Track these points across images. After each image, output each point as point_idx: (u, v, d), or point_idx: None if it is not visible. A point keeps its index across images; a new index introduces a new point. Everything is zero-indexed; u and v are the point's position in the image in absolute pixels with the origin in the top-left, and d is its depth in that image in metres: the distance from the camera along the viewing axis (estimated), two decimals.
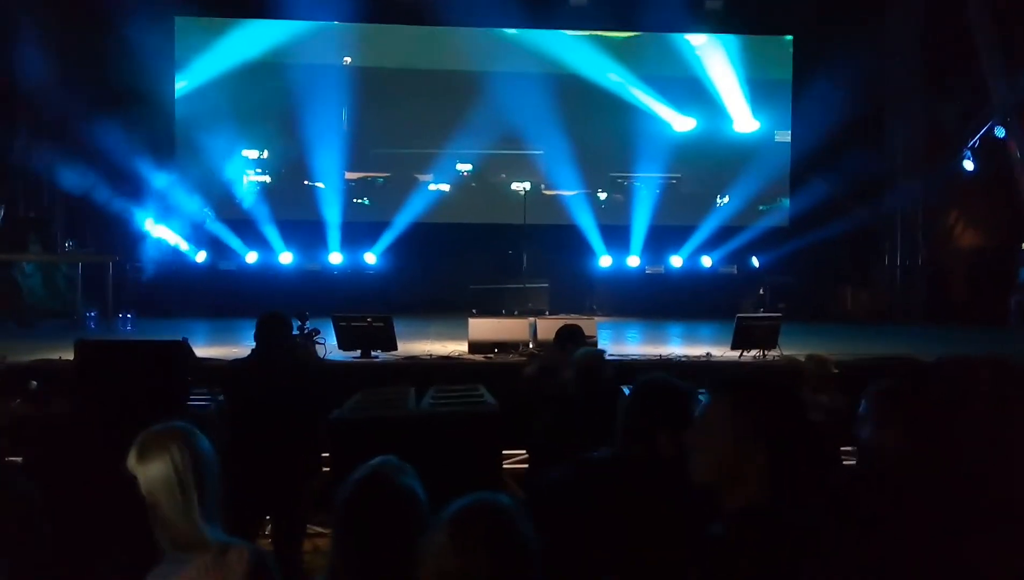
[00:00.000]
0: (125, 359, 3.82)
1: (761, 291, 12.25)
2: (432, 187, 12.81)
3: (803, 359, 6.64)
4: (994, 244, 12.20)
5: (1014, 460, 3.08)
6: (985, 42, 10.84)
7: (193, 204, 11.92)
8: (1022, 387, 4.89)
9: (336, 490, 1.81)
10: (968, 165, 12.03)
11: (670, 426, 2.08)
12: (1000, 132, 11.40)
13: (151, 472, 1.83)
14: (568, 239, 12.65)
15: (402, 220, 12.41)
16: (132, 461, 1.86)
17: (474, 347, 7.28)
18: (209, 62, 12.15)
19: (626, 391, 2.71)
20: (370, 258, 12.39)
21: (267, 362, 3.94)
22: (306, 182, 12.59)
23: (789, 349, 7.50)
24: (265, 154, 12.61)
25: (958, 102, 11.96)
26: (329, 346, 6.84)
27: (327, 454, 4.23)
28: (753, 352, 7.40)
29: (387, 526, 1.69)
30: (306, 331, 4.26)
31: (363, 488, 1.74)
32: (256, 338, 3.98)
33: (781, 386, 1.60)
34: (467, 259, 12.12)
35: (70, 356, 5.15)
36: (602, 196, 13.24)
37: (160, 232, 11.59)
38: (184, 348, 3.71)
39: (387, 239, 12.37)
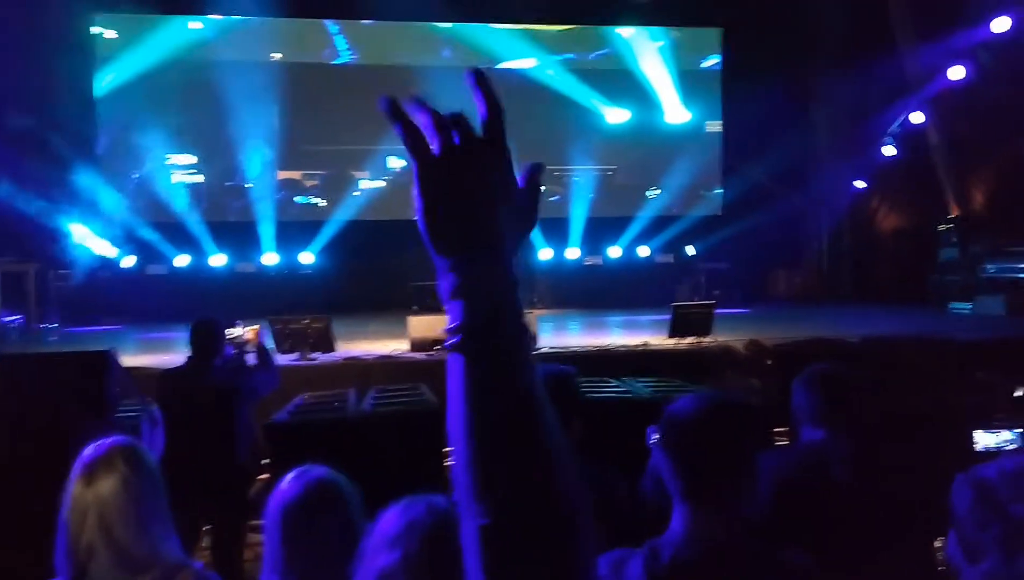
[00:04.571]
0: (43, 373, 3.66)
1: (703, 279, 12.48)
2: (367, 184, 12.66)
3: (740, 345, 6.84)
4: (915, 226, 12.70)
5: (939, 438, 3.22)
6: (899, 21, 11.23)
7: (119, 207, 11.53)
8: (943, 363, 5.12)
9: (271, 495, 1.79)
10: (889, 150, 12.49)
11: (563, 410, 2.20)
12: (919, 117, 11.85)
13: (102, 491, 1.75)
14: None
15: (338, 218, 12.24)
16: (79, 486, 1.77)
17: (415, 345, 7.25)
18: (132, 60, 11.75)
19: None
20: (307, 258, 12.18)
21: (201, 369, 3.85)
22: (237, 182, 12.30)
23: (724, 334, 7.67)
24: (193, 157, 12.27)
25: (880, 87, 12.38)
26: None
27: (266, 459, 4.16)
28: (689, 339, 7.54)
29: (323, 531, 1.67)
30: (237, 339, 4.16)
31: (298, 494, 1.72)
32: (191, 345, 3.89)
33: (701, 420, 1.57)
34: (407, 256, 12.00)
35: None
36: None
37: (85, 237, 11.17)
38: (108, 359, 3.57)
39: (324, 238, 12.18)
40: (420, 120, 0.72)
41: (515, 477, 0.67)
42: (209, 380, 3.81)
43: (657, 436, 1.63)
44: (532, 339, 0.74)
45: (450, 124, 0.73)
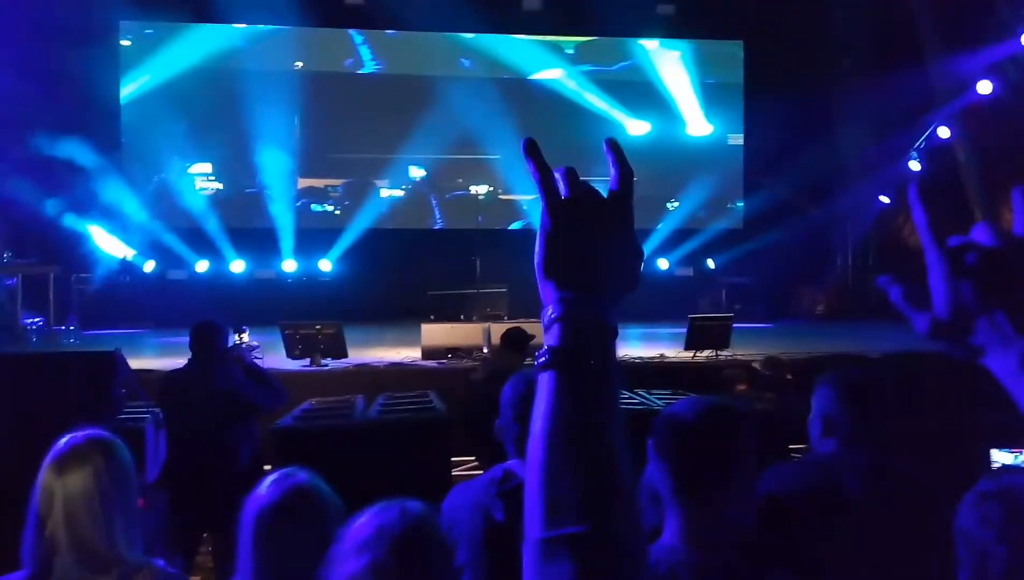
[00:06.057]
0: (49, 373, 3.64)
1: (724, 293, 12.31)
2: (387, 192, 12.69)
3: (758, 359, 6.71)
4: None
5: (956, 456, 3.10)
6: (926, 34, 11.05)
7: (140, 212, 11.64)
8: (964, 380, 4.96)
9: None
10: (915, 165, 12.27)
11: None
12: (945, 132, 11.65)
13: (71, 484, 1.71)
14: (526, 243, 12.54)
15: (358, 226, 12.26)
16: (50, 475, 1.74)
17: (427, 353, 7.21)
18: (157, 67, 11.89)
19: None
20: (325, 265, 12.21)
21: (202, 371, 3.82)
22: (258, 189, 12.37)
23: (744, 349, 7.55)
24: (214, 165, 12.35)
25: (905, 101, 12.19)
26: (278, 357, 6.69)
27: (268, 466, 4.12)
28: (706, 352, 7.43)
29: (296, 537, 1.61)
30: (243, 346, 4.13)
31: (274, 499, 1.66)
32: (191, 347, 3.86)
33: (696, 422, 1.51)
34: (426, 265, 12.00)
35: None
36: None
37: (107, 241, 11.28)
38: (114, 359, 3.55)
39: (343, 245, 12.21)
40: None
41: (610, 487, 0.70)
42: (209, 382, 3.78)
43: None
44: (620, 377, 0.75)
45: (572, 178, 0.79)
